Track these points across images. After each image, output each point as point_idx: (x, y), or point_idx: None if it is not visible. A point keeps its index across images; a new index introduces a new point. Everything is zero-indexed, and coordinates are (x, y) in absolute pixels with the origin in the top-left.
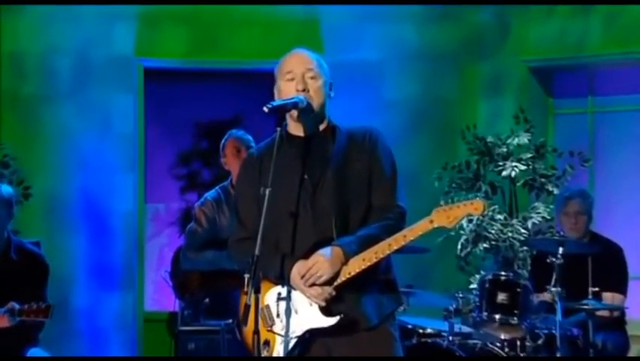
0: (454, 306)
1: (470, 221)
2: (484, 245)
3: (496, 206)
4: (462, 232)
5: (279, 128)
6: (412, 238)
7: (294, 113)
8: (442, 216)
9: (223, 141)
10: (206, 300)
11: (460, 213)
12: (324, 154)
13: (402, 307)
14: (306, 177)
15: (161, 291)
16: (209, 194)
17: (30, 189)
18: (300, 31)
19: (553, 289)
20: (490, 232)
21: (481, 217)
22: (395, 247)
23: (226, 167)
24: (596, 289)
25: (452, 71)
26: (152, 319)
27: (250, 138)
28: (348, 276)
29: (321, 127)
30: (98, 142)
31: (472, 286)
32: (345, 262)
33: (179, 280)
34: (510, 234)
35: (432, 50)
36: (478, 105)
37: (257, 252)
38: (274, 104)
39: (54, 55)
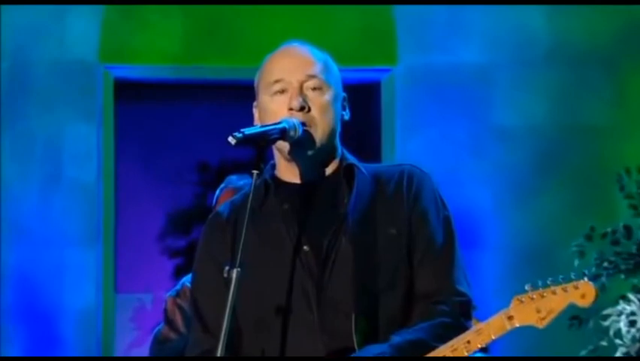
0: None
1: (632, 324)
2: None
3: None
4: (618, 341)
5: (255, 172)
6: (479, 346)
7: (285, 147)
8: (528, 310)
9: (217, 193)
10: None
11: (559, 304)
12: (335, 211)
13: None
14: (305, 248)
15: None
16: (189, 278)
17: None
18: (357, 25)
19: None
20: None
21: None
22: None
23: None
24: None
25: (603, 82)
26: None
27: None
28: None
29: (330, 168)
30: (43, 197)
31: None
32: None
33: None
34: None
35: (570, 50)
36: None
37: None
38: (247, 132)
39: None
